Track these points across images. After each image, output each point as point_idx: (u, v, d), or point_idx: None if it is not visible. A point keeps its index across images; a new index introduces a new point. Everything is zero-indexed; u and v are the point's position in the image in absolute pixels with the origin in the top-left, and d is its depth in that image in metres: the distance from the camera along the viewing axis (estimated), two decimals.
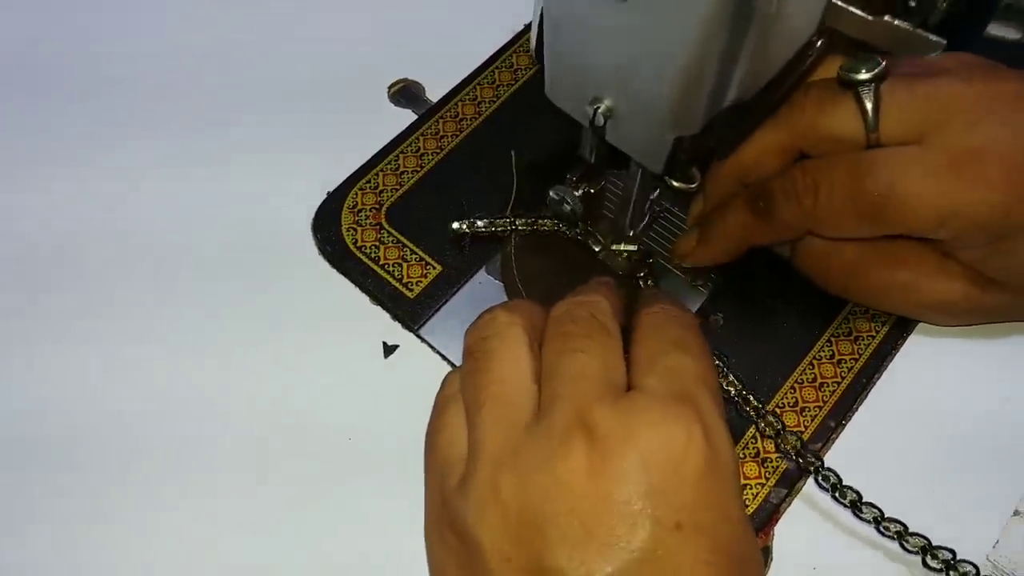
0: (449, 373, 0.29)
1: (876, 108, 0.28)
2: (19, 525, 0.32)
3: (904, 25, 0.22)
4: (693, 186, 0.29)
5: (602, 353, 0.25)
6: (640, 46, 0.24)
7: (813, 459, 0.30)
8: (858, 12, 0.22)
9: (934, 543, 0.28)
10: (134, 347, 0.36)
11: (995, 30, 0.22)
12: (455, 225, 0.35)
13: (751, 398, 0.31)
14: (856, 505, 0.30)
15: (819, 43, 0.24)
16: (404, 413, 0.34)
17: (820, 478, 0.30)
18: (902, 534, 0.29)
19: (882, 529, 0.29)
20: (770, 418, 0.31)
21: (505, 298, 0.36)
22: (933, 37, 0.22)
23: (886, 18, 0.22)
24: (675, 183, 0.29)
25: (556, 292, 0.35)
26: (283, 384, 0.35)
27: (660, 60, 0.24)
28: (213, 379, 0.35)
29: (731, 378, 0.32)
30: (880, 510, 0.29)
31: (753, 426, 0.33)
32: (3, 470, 0.33)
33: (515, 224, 0.36)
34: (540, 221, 0.36)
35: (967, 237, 0.29)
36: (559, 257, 0.37)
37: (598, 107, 0.27)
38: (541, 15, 0.29)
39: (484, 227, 0.36)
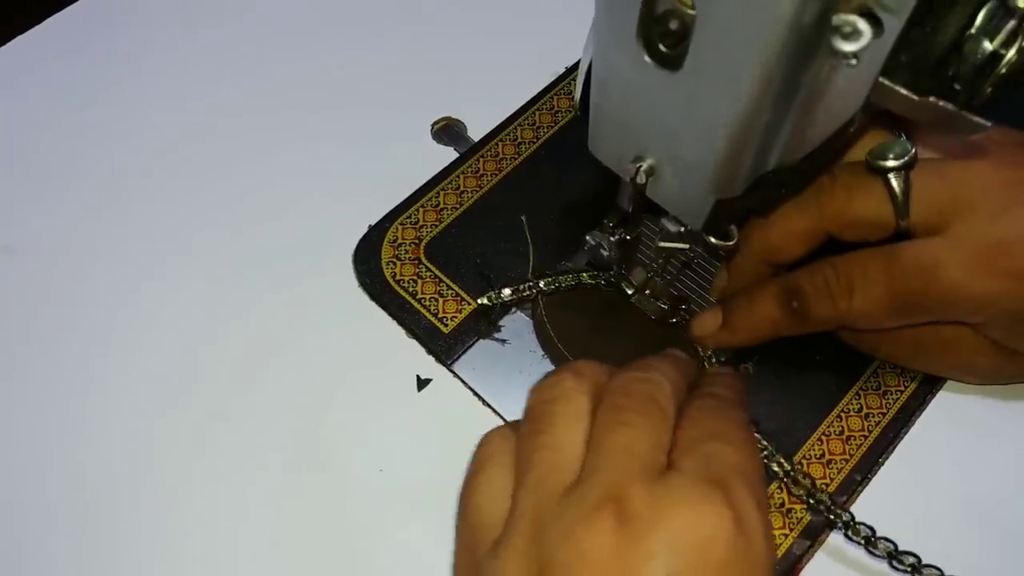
0: (489, 433, 0.28)
1: (906, 194, 0.28)
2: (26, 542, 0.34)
3: (949, 106, 0.23)
4: (731, 243, 0.29)
5: (650, 431, 0.25)
6: (686, 113, 0.25)
7: (844, 513, 0.31)
8: (904, 92, 0.23)
9: None
10: (170, 375, 0.37)
11: None
12: (482, 300, 0.36)
13: (782, 460, 0.32)
14: (893, 555, 0.30)
15: (862, 117, 0.25)
16: (435, 447, 0.35)
17: (854, 533, 0.31)
18: None
19: None
20: (799, 477, 0.31)
21: (511, 338, 0.37)
22: (977, 119, 0.23)
23: (931, 99, 0.23)
24: (712, 239, 0.29)
25: (595, 345, 0.37)
26: (317, 413, 0.36)
27: (705, 128, 0.25)
28: (247, 406, 0.36)
29: (779, 458, 0.32)
30: (918, 557, 0.30)
31: (777, 479, 0.33)
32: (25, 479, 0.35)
33: (539, 285, 0.37)
34: (560, 277, 0.37)
35: (995, 323, 0.30)
36: (593, 308, 0.37)
37: (640, 166, 0.28)
38: (588, 69, 0.30)
39: (511, 295, 0.37)
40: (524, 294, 0.37)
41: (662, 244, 0.33)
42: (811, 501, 0.31)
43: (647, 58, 0.25)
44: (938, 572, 0.29)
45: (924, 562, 0.30)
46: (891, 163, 0.27)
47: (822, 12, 0.21)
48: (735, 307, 0.34)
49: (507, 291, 0.37)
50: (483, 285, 0.37)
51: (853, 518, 0.31)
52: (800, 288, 0.32)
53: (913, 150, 0.27)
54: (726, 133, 0.24)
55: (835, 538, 0.33)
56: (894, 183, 0.28)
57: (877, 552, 0.30)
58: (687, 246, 0.33)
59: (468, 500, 0.26)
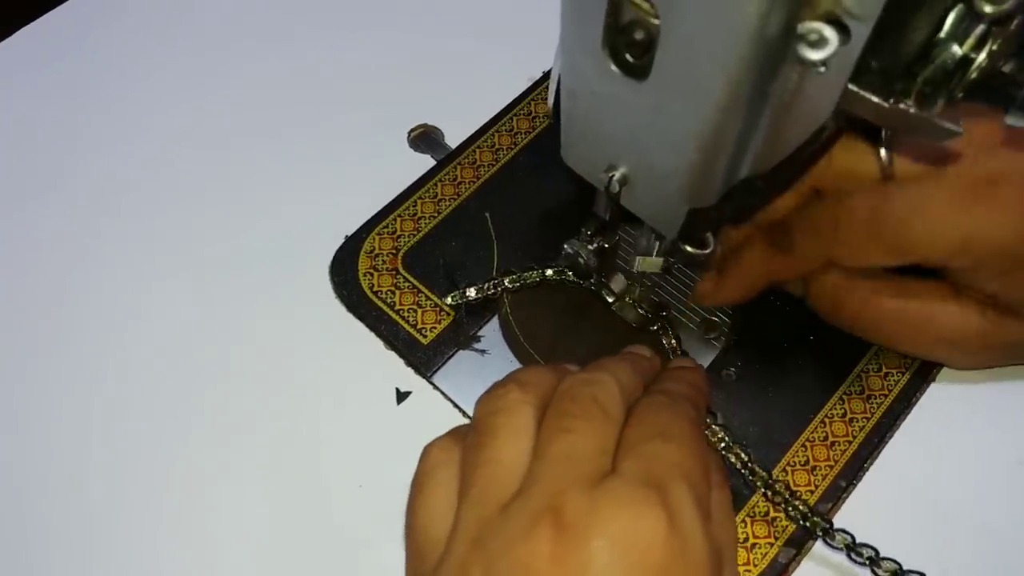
0: (428, 445, 0.28)
1: (890, 144, 0.28)
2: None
3: (920, 112, 0.22)
4: (706, 251, 0.29)
5: (592, 436, 0.25)
6: (655, 122, 0.24)
7: (822, 521, 0.30)
8: (874, 99, 0.22)
9: None
10: (143, 391, 0.36)
11: (1012, 120, 0.22)
12: (449, 300, 0.36)
13: (757, 469, 0.31)
14: (874, 561, 0.30)
15: (833, 124, 0.24)
16: (415, 461, 0.35)
17: (831, 540, 0.30)
18: None
19: None
20: (778, 487, 0.31)
21: (490, 349, 0.36)
22: (949, 124, 0.22)
23: (902, 105, 0.22)
24: (688, 248, 0.29)
25: (562, 342, 0.36)
26: (293, 428, 0.35)
27: (675, 137, 0.24)
28: (223, 420, 0.35)
29: (736, 450, 0.32)
30: (898, 564, 0.29)
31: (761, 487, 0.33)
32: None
33: (504, 283, 0.36)
34: (525, 274, 0.36)
35: (986, 265, 0.29)
36: (559, 305, 0.37)
37: (613, 174, 0.28)
38: (559, 79, 0.30)
39: (476, 294, 0.36)
40: (489, 293, 0.36)
41: (638, 263, 0.33)
42: (788, 510, 0.31)
43: (614, 67, 0.24)
44: None
45: (906, 568, 0.29)
46: None
47: (788, 20, 0.20)
48: (727, 259, 0.34)
49: (472, 291, 0.36)
50: (449, 286, 0.37)
51: (831, 525, 0.30)
52: (787, 224, 0.31)
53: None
54: (696, 143, 0.24)
55: (821, 546, 0.32)
56: (879, 136, 0.28)
57: (859, 559, 0.30)
58: (661, 263, 0.33)
59: (412, 521, 0.26)
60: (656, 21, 0.22)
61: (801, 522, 0.31)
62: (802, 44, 0.20)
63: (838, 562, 0.32)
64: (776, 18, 0.20)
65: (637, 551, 0.22)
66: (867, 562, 0.30)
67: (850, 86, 0.22)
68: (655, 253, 0.33)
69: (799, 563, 0.32)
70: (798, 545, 0.32)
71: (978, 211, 0.28)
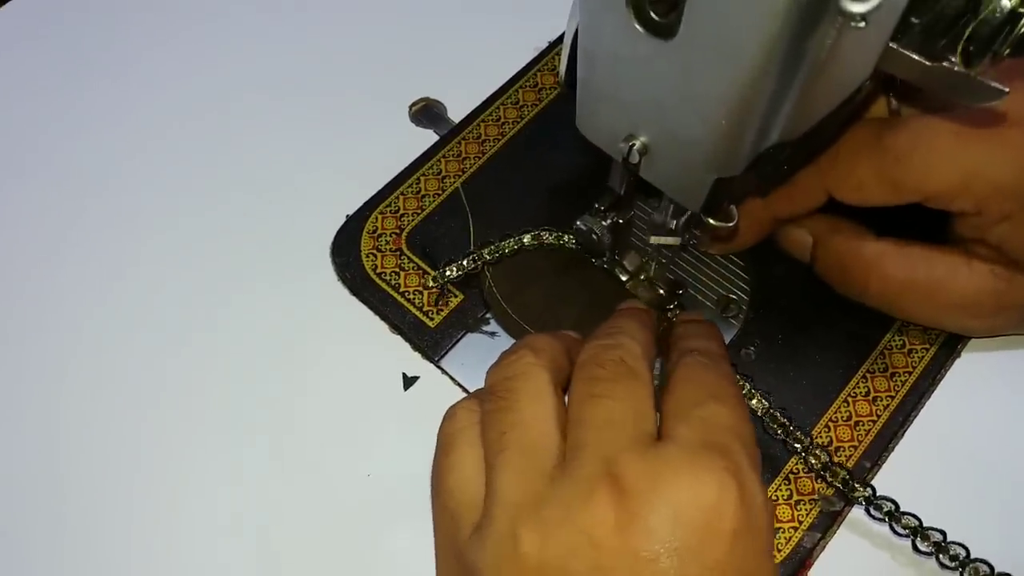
0: (453, 406, 0.27)
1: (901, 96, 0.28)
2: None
3: (964, 70, 0.21)
4: (731, 224, 0.28)
5: (630, 400, 0.24)
6: (682, 85, 0.23)
7: (862, 488, 0.29)
8: (916, 57, 0.21)
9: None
10: (145, 378, 0.35)
11: None
12: (428, 283, 0.35)
13: (799, 434, 0.30)
14: (916, 532, 0.29)
15: (869, 84, 0.23)
16: (424, 449, 0.33)
17: (874, 508, 0.29)
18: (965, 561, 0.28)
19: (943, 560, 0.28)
20: (817, 451, 0.30)
21: (500, 331, 0.35)
22: (994, 84, 0.21)
23: (944, 63, 0.21)
24: (712, 221, 0.28)
25: (551, 310, 0.35)
26: (299, 416, 0.34)
27: (703, 102, 0.23)
28: (225, 410, 0.34)
29: (775, 412, 0.31)
30: (943, 533, 0.29)
31: (786, 466, 0.32)
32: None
33: (483, 256, 0.35)
34: (502, 243, 0.35)
35: (989, 208, 0.28)
36: (544, 272, 0.36)
37: (633, 144, 0.26)
38: (573, 42, 0.28)
39: (457, 272, 0.35)
40: (470, 269, 0.35)
41: (653, 240, 0.32)
42: (827, 476, 0.30)
43: (637, 26, 0.23)
44: (964, 549, 0.28)
45: (950, 539, 0.28)
46: None
47: None
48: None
49: (452, 268, 0.35)
50: (430, 264, 0.36)
51: (874, 492, 0.29)
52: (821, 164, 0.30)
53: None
54: (725, 107, 0.22)
55: (844, 531, 0.32)
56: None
57: (901, 531, 0.29)
58: (678, 241, 0.32)
59: (442, 482, 0.26)
60: None
61: (843, 489, 0.30)
62: None
63: (862, 548, 0.31)
64: None
65: (706, 518, 0.21)
66: (909, 532, 0.29)
67: (890, 44, 0.21)
68: (673, 229, 0.32)
69: (824, 548, 0.31)
70: (823, 529, 0.31)
71: (980, 147, 0.27)
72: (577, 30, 0.27)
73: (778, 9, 0.19)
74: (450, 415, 0.27)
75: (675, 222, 0.31)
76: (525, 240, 0.35)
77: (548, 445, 0.24)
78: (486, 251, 0.35)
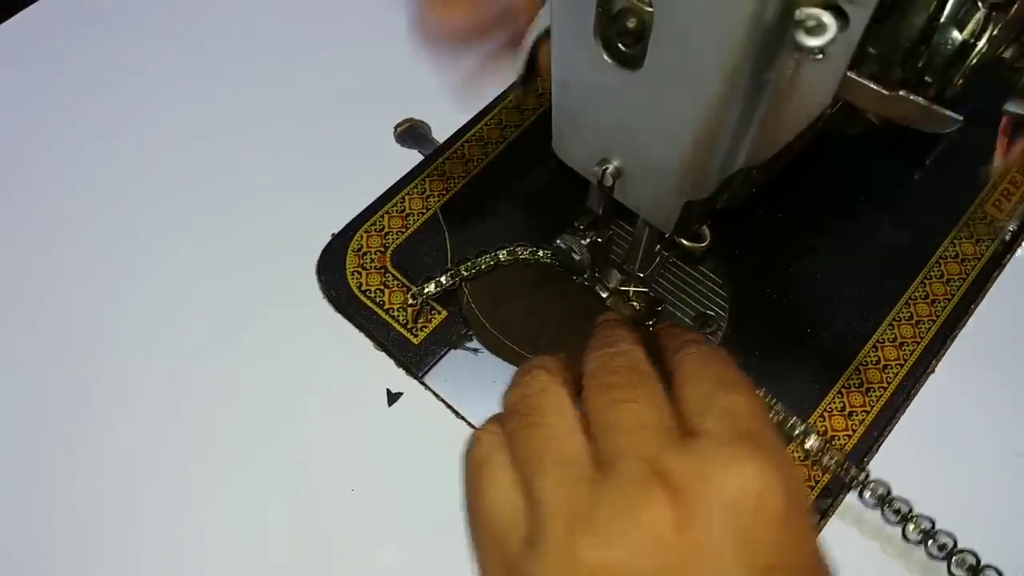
0: (476, 432, 0.27)
1: None
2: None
3: (920, 100, 0.22)
4: (703, 245, 0.28)
5: (652, 401, 0.25)
6: (650, 113, 0.24)
7: (856, 471, 0.30)
8: (873, 86, 0.22)
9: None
10: (130, 388, 0.35)
11: (1012, 107, 0.22)
12: (410, 300, 0.35)
13: (795, 419, 0.31)
14: (906, 518, 0.29)
15: (830, 111, 0.24)
16: (409, 463, 0.34)
17: (868, 490, 0.30)
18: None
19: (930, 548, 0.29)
20: (813, 435, 0.31)
21: (483, 348, 0.36)
22: (948, 112, 0.22)
23: (901, 92, 0.22)
24: (684, 242, 0.28)
25: (531, 323, 0.36)
26: (283, 432, 0.35)
27: (670, 129, 0.24)
28: (209, 423, 0.35)
29: (771, 402, 0.31)
30: (932, 521, 0.29)
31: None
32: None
33: (460, 272, 0.36)
34: (479, 259, 0.36)
35: None
36: (522, 287, 0.37)
37: (607, 168, 0.27)
38: (536, 40, 0.29)
39: (435, 288, 0.35)
40: (448, 285, 0.35)
41: (623, 288, 0.34)
42: (824, 459, 0.30)
43: (606, 57, 0.23)
44: (951, 539, 0.29)
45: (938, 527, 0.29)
46: None
47: (785, 6, 0.20)
48: None
49: (431, 285, 0.35)
50: (407, 282, 0.36)
51: (867, 476, 0.30)
52: None
53: None
54: (691, 133, 0.23)
55: (838, 518, 0.32)
56: None
57: (891, 515, 0.29)
58: (647, 290, 0.33)
59: (477, 505, 0.26)
60: (649, 9, 0.21)
61: (836, 470, 0.30)
62: (800, 31, 0.20)
63: (855, 537, 0.32)
64: (773, 4, 0.20)
65: (757, 504, 0.22)
66: (899, 519, 0.29)
67: (849, 74, 0.22)
68: (638, 269, 0.34)
69: (818, 533, 0.32)
70: (818, 514, 0.32)
71: None
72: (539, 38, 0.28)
73: (737, 42, 0.20)
74: (475, 441, 0.27)
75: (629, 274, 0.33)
76: (501, 256, 0.36)
77: (581, 453, 0.24)
78: (463, 267, 0.36)
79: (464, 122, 0.41)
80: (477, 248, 0.37)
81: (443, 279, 0.35)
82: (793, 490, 0.23)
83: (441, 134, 0.41)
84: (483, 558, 0.26)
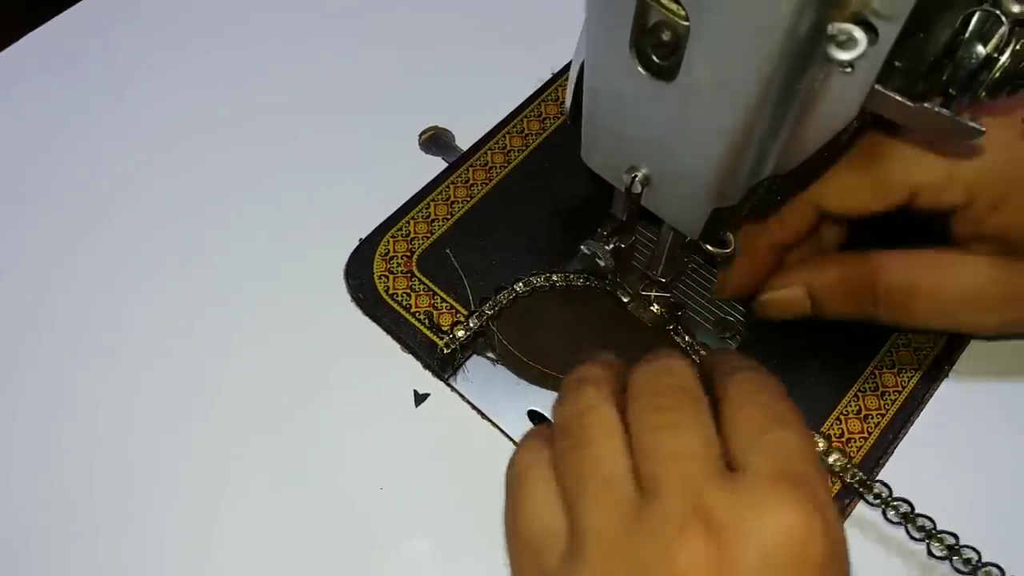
0: (518, 449, 0.27)
1: None
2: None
3: (944, 112, 0.23)
4: (727, 251, 0.29)
5: (699, 428, 0.24)
6: (681, 123, 0.25)
7: (859, 471, 0.31)
8: (899, 98, 0.23)
9: None
10: (161, 397, 0.36)
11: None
12: (442, 347, 0.36)
13: (817, 436, 0.31)
14: (908, 518, 0.30)
15: (855, 122, 0.25)
16: (436, 462, 0.35)
17: (868, 493, 0.31)
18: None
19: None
20: (836, 454, 0.31)
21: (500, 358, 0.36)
22: (973, 124, 0.23)
23: (926, 105, 0.23)
24: (710, 247, 0.29)
25: (563, 344, 0.36)
26: (313, 431, 0.35)
27: (701, 138, 0.25)
28: (241, 427, 0.35)
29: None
30: (956, 536, 0.30)
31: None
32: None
33: (485, 312, 0.36)
34: (497, 297, 0.36)
35: (980, 193, 0.29)
36: (542, 313, 0.37)
37: (635, 175, 0.28)
38: (579, 78, 0.30)
39: (465, 334, 0.36)
40: (476, 328, 0.36)
41: (644, 293, 0.34)
42: (846, 477, 0.31)
43: (640, 69, 0.24)
44: (976, 553, 0.29)
45: (962, 543, 0.30)
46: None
47: (817, 21, 0.21)
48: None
49: (460, 331, 0.36)
50: (435, 331, 0.36)
51: (891, 492, 0.30)
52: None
53: None
54: (723, 143, 0.24)
55: (853, 529, 0.33)
56: None
57: (915, 533, 0.30)
58: (668, 295, 0.34)
59: (518, 518, 0.26)
60: (685, 23, 0.22)
61: (858, 489, 0.31)
62: (831, 44, 0.21)
63: (870, 550, 0.32)
64: (807, 19, 0.20)
65: (797, 551, 0.21)
66: (901, 519, 0.30)
67: (875, 86, 0.23)
68: (661, 275, 0.35)
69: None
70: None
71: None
72: (582, 67, 0.29)
73: (773, 55, 0.21)
74: (517, 457, 0.27)
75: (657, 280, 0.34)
76: (518, 288, 0.36)
77: (625, 477, 0.24)
78: (486, 307, 0.36)
79: (487, 130, 0.42)
80: (503, 253, 0.38)
81: (471, 322, 0.36)
82: (834, 538, 0.22)
83: (464, 142, 0.42)
84: (519, 570, 0.26)
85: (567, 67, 0.44)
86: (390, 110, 0.43)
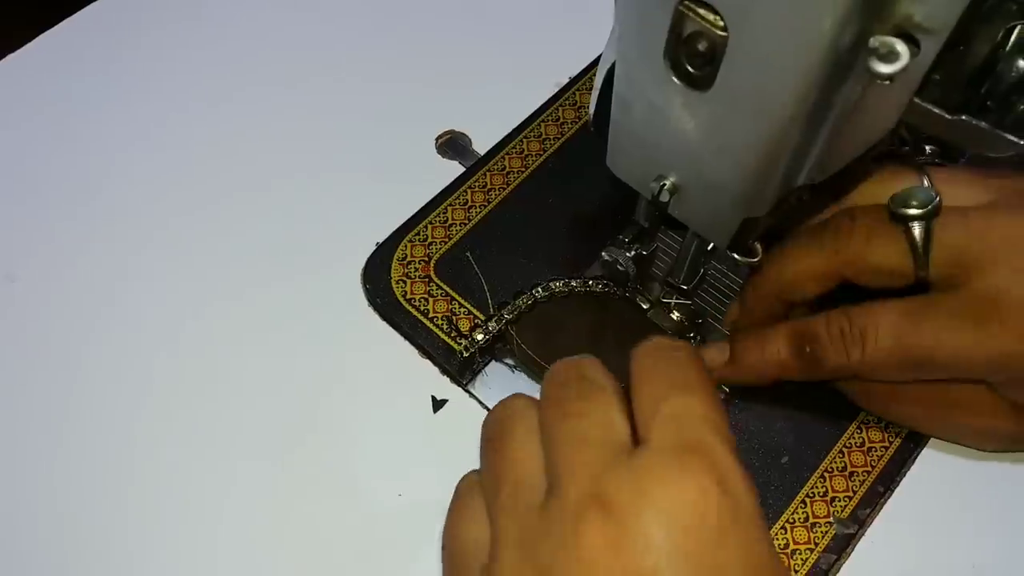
0: (468, 473, 0.28)
1: (926, 245, 0.28)
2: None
3: (982, 124, 0.22)
4: (755, 260, 0.29)
5: (600, 413, 0.24)
6: (714, 132, 0.25)
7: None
8: (937, 110, 0.22)
9: None
10: (179, 397, 0.36)
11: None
12: (461, 350, 0.36)
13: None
14: None
15: (889, 139, 0.25)
16: (455, 468, 0.35)
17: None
18: None
19: None
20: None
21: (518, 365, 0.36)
22: (1011, 136, 0.23)
23: (964, 117, 0.22)
24: (737, 256, 0.29)
25: (581, 350, 0.36)
26: (330, 436, 0.35)
27: (734, 148, 0.24)
28: (258, 432, 0.35)
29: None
30: None
31: (802, 490, 0.33)
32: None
33: (504, 317, 0.36)
34: (516, 302, 0.36)
35: (1019, 380, 0.29)
36: (561, 318, 0.37)
37: (664, 184, 0.28)
38: (603, 87, 0.30)
39: (483, 337, 0.36)
40: (495, 331, 0.36)
41: (665, 300, 0.35)
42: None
43: (675, 79, 0.24)
44: None
45: None
46: (913, 211, 0.27)
47: (860, 34, 0.20)
48: (744, 344, 0.34)
49: (479, 335, 0.36)
50: (455, 335, 0.36)
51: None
52: (815, 333, 0.31)
53: (937, 199, 0.27)
54: (756, 153, 0.24)
55: (861, 551, 0.33)
56: (916, 232, 0.27)
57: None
58: (689, 302, 0.34)
59: (448, 532, 0.26)
60: (723, 33, 0.22)
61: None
62: (873, 57, 0.21)
63: (878, 570, 0.33)
64: (850, 31, 0.20)
65: (694, 520, 0.21)
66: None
67: (914, 99, 0.23)
68: (683, 281, 0.34)
69: (839, 568, 0.33)
70: (838, 550, 0.33)
71: (1008, 339, 0.28)
72: (607, 75, 0.29)
73: (814, 67, 0.21)
74: (464, 478, 0.27)
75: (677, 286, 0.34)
76: (537, 293, 0.36)
77: (538, 478, 0.24)
78: (505, 311, 0.36)
79: (504, 135, 0.42)
80: (522, 259, 0.38)
81: (490, 325, 0.36)
82: (739, 503, 0.22)
83: (481, 146, 0.42)
84: None
85: (584, 72, 0.44)
86: (407, 114, 0.43)
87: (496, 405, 0.27)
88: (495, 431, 0.26)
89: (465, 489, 0.27)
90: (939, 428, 0.33)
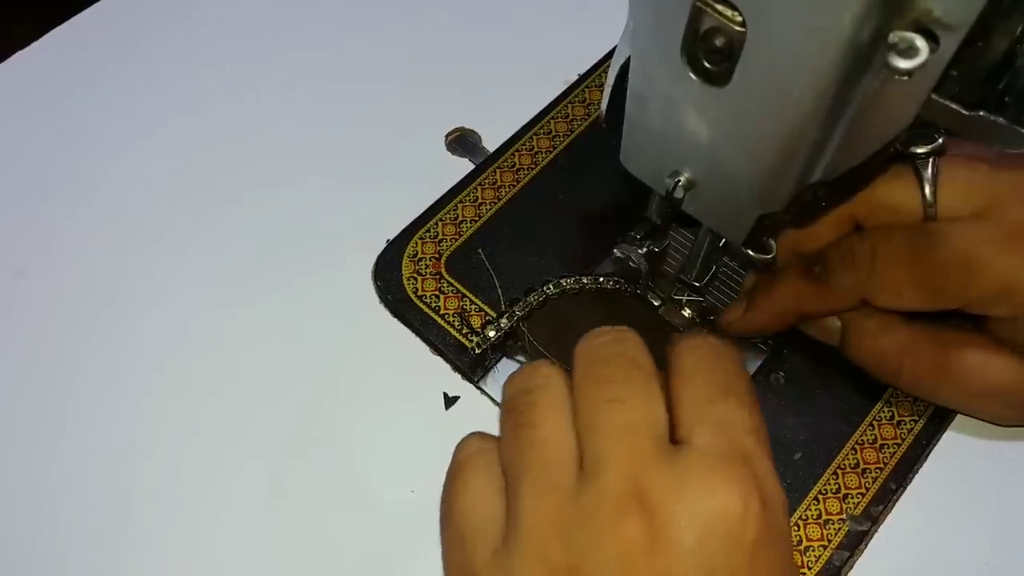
0: (466, 436, 0.27)
1: (934, 181, 0.29)
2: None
3: (999, 120, 0.22)
4: (769, 256, 0.29)
5: (645, 401, 0.23)
6: (731, 128, 0.25)
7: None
8: (954, 106, 0.22)
9: None
10: (190, 394, 0.36)
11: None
12: (472, 347, 0.35)
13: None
14: None
15: (906, 133, 0.25)
16: None
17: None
18: None
19: None
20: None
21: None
22: None
23: (981, 113, 0.22)
24: (752, 253, 0.29)
25: None
26: (343, 433, 0.35)
27: (751, 143, 0.24)
28: (270, 429, 0.35)
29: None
30: None
31: (815, 486, 0.33)
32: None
33: (514, 313, 0.36)
34: (528, 299, 0.36)
35: None
36: (573, 315, 0.37)
37: (679, 180, 0.28)
38: (618, 80, 0.30)
39: (496, 333, 0.35)
40: (507, 328, 0.36)
41: (676, 296, 0.35)
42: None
43: (691, 75, 0.24)
44: None
45: None
46: (920, 149, 0.28)
47: (879, 29, 0.20)
48: (759, 285, 0.34)
49: (491, 331, 0.36)
50: (467, 330, 0.36)
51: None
52: (825, 255, 0.31)
53: (941, 139, 0.28)
54: (774, 148, 0.24)
55: (874, 548, 0.33)
56: (923, 170, 0.28)
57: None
58: (701, 299, 0.34)
59: (452, 505, 0.25)
60: (740, 29, 0.22)
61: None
62: (892, 53, 0.21)
63: (892, 567, 0.33)
64: (869, 27, 0.20)
65: (732, 530, 0.21)
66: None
67: (932, 95, 0.23)
68: (695, 278, 0.34)
69: (852, 565, 0.33)
70: (851, 547, 0.33)
71: (1017, 259, 0.28)
72: (620, 71, 0.29)
73: (833, 62, 0.21)
74: (462, 443, 0.26)
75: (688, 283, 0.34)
76: (548, 290, 0.36)
77: (569, 457, 0.23)
78: (516, 308, 0.36)
79: (514, 132, 0.42)
80: (532, 256, 0.38)
81: (502, 322, 0.36)
82: (775, 521, 0.22)
83: (491, 143, 0.42)
84: (448, 560, 0.25)
85: (594, 69, 0.44)
86: (417, 112, 0.43)
87: (521, 371, 0.26)
88: (523, 401, 0.25)
89: (471, 460, 0.25)
90: (948, 394, 0.32)
